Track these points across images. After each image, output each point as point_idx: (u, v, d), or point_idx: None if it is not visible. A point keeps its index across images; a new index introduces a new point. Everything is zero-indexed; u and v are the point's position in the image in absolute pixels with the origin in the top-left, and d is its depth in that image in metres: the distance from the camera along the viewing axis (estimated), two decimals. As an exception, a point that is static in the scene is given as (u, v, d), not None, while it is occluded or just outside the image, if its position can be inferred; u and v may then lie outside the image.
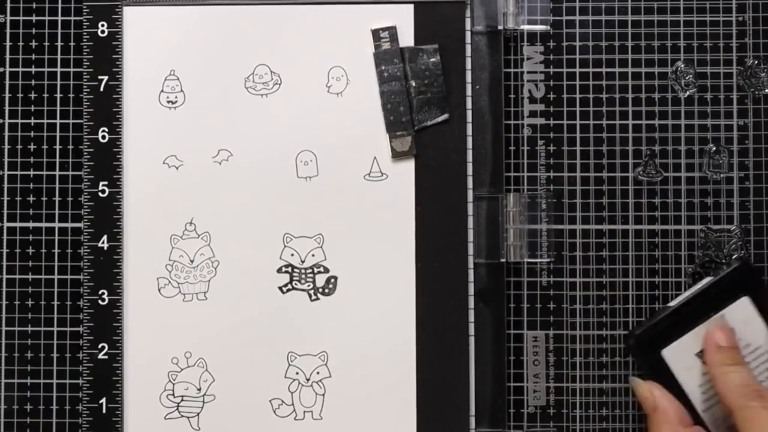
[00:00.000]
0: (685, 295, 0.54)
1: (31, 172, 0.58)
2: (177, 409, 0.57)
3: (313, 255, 0.57)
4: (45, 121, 0.58)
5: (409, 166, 0.57)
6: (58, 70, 0.58)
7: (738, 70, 0.58)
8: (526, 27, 0.58)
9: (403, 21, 0.58)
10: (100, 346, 0.57)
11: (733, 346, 0.53)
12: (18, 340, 0.58)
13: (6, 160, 0.58)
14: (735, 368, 0.52)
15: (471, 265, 0.57)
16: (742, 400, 0.50)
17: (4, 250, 0.58)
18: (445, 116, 0.57)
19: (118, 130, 0.57)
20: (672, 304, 0.55)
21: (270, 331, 0.57)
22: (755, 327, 0.54)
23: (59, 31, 0.59)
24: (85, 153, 0.57)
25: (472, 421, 0.56)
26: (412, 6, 0.58)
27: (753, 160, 0.58)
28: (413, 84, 0.57)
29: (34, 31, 0.59)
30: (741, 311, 0.54)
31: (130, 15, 0.58)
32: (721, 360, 0.52)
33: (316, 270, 0.57)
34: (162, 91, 0.58)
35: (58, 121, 0.58)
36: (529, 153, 0.58)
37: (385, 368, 0.56)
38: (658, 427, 0.52)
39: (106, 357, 0.57)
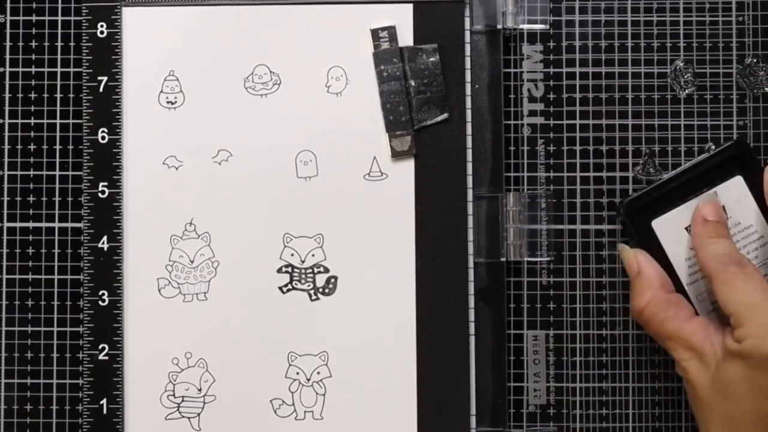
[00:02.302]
0: (680, 168, 0.54)
1: (31, 172, 0.58)
2: (177, 409, 0.57)
3: (313, 255, 0.57)
4: (45, 121, 0.58)
5: (408, 166, 0.57)
6: (58, 70, 0.58)
7: (737, 69, 0.58)
8: (525, 26, 0.58)
9: (402, 21, 0.57)
10: (100, 347, 0.57)
11: (720, 220, 0.52)
12: (18, 340, 0.58)
13: (6, 160, 0.58)
14: (719, 240, 0.51)
15: (471, 264, 0.57)
16: (721, 266, 0.50)
17: (4, 250, 0.58)
18: (445, 116, 0.57)
19: (117, 130, 0.57)
20: (666, 176, 0.54)
21: (270, 331, 0.57)
22: (746, 206, 0.54)
23: (59, 31, 0.59)
24: (85, 153, 0.57)
25: (473, 420, 0.56)
26: (411, 6, 0.57)
27: (752, 159, 0.58)
28: (412, 83, 0.57)
29: (34, 31, 0.59)
30: (734, 189, 0.54)
31: (130, 15, 0.58)
32: (706, 232, 0.52)
33: (316, 270, 0.57)
34: (161, 91, 0.58)
35: (58, 121, 0.58)
36: (528, 153, 0.58)
37: (385, 368, 0.56)
38: (640, 291, 0.52)
39: (106, 358, 0.57)
